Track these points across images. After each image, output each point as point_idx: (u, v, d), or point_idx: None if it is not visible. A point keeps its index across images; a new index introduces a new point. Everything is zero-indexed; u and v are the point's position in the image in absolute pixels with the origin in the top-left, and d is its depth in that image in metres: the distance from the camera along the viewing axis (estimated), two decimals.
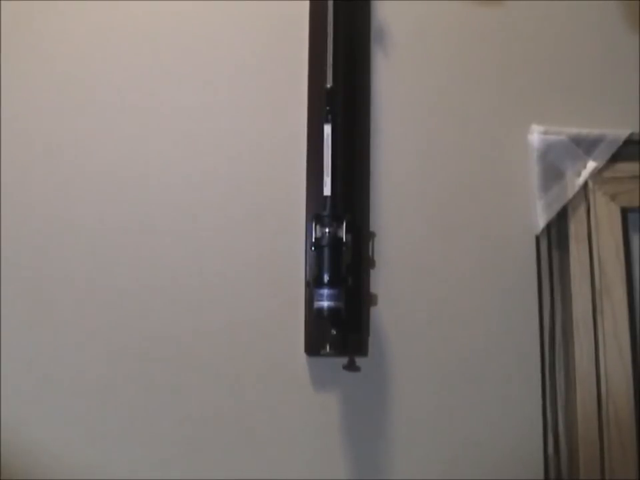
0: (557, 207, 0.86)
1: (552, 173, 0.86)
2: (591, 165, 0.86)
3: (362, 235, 0.85)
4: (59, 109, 0.88)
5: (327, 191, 0.81)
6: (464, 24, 0.91)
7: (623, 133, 0.87)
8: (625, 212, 0.86)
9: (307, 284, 0.83)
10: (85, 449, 0.82)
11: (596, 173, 0.86)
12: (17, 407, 0.83)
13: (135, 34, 0.90)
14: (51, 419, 0.83)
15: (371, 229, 0.87)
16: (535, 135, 0.88)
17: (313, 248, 0.80)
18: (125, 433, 0.83)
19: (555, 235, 0.87)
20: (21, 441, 0.82)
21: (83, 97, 0.88)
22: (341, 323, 0.81)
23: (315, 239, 0.80)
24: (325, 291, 0.77)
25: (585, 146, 0.86)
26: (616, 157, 0.86)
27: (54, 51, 0.89)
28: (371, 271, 0.86)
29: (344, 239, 0.80)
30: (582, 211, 0.86)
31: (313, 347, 0.83)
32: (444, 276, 0.87)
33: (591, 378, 0.82)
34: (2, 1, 0.89)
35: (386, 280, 0.86)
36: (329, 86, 0.83)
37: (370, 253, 0.86)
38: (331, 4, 0.84)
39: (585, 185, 0.86)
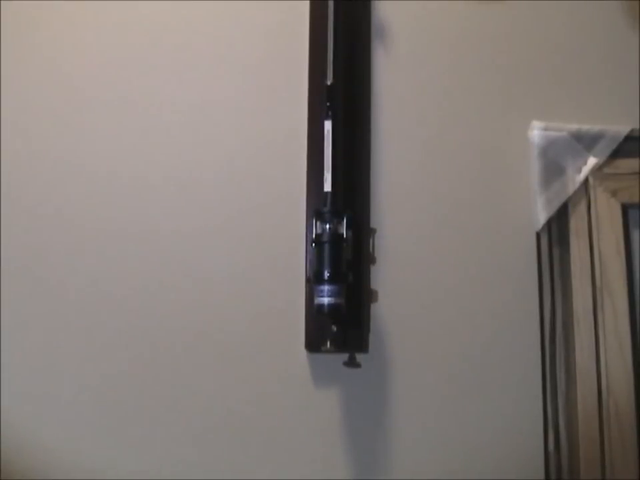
0: (557, 203, 0.86)
1: (552, 169, 0.86)
2: (592, 161, 0.86)
3: (362, 231, 0.85)
4: (59, 109, 0.88)
5: (328, 187, 0.81)
6: (464, 21, 0.91)
7: (623, 129, 0.87)
8: (625, 208, 0.86)
9: (307, 280, 0.83)
10: (85, 449, 0.82)
11: (596, 169, 0.86)
12: (17, 406, 0.82)
13: (135, 32, 0.90)
14: (51, 419, 0.83)
15: (372, 225, 0.87)
16: (536, 131, 0.87)
17: (313, 244, 0.80)
18: (125, 432, 0.83)
19: (556, 231, 0.86)
20: (20, 441, 0.82)
21: (83, 96, 0.88)
22: (342, 320, 0.81)
23: (316, 235, 0.80)
24: (326, 287, 0.77)
25: (585, 142, 0.86)
26: (616, 153, 0.86)
27: (54, 50, 0.89)
28: (372, 267, 0.86)
29: (344, 235, 0.80)
30: (582, 207, 0.86)
31: (313, 344, 0.83)
32: (444, 272, 0.87)
33: (591, 374, 0.82)
34: (2, 1, 0.89)
35: (386, 276, 0.86)
36: (329, 82, 0.83)
37: (370, 249, 0.86)
38: (331, 2, 0.84)
39: (586, 181, 0.86)
